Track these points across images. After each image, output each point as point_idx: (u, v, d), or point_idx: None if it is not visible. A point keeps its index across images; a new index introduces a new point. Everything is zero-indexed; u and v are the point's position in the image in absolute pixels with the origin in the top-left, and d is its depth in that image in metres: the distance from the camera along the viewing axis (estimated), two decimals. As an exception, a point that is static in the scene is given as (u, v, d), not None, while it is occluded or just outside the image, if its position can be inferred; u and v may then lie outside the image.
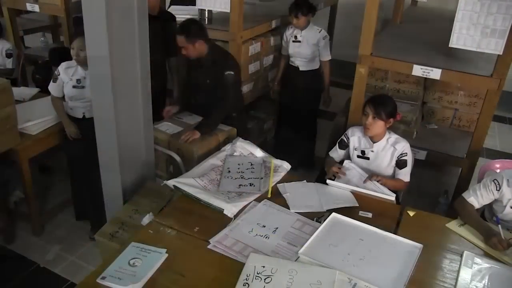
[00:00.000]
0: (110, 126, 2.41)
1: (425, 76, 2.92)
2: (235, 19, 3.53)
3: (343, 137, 2.81)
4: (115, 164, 2.47)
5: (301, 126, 4.31)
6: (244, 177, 2.48)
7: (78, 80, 3.12)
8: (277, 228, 2.10)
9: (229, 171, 2.52)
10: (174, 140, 2.99)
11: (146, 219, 2.28)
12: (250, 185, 2.41)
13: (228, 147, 2.75)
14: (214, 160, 2.61)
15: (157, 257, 1.88)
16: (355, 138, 2.74)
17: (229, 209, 2.18)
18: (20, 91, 3.80)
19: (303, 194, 2.40)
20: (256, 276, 1.78)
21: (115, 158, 2.45)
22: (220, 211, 2.19)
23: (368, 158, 2.68)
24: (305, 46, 3.96)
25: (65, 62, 3.15)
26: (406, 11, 4.74)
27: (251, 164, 2.61)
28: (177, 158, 2.93)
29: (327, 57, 4.03)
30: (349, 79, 5.93)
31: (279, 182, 2.48)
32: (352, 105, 3.22)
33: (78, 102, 3.17)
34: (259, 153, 2.73)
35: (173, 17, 3.91)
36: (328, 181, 2.49)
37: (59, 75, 3.15)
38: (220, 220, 2.14)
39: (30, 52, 5.88)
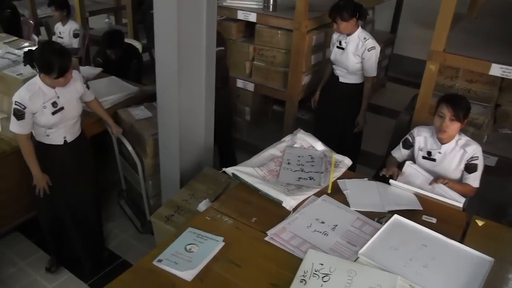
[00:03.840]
0: (173, 111, 2.42)
1: (504, 77, 2.73)
2: (301, 8, 3.45)
3: (407, 136, 2.69)
4: (175, 148, 2.48)
5: (339, 146, 3.57)
6: (304, 170, 2.42)
7: (54, 104, 2.50)
8: (336, 225, 2.03)
9: (288, 163, 2.47)
10: (137, 125, 3.08)
11: (203, 206, 2.28)
12: (310, 179, 2.35)
13: (288, 138, 2.70)
14: (274, 151, 2.56)
15: (214, 244, 1.86)
16: (421, 138, 2.61)
17: (288, 202, 2.13)
18: (84, 70, 3.88)
19: (364, 192, 2.31)
20: (314, 273, 1.72)
21: (176, 142, 2.46)
22: (278, 203, 2.14)
23: (434, 160, 2.55)
24: (346, 55, 3.43)
25: (23, 90, 2.45)
26: (483, 5, 4.41)
27: (311, 157, 2.54)
28: (129, 146, 3.06)
29: (370, 72, 3.43)
30: (410, 76, 5.75)
31: (339, 178, 2.40)
32: (419, 103, 3.07)
33: (60, 126, 2.59)
34: (319, 146, 2.65)
35: None
36: (390, 181, 2.39)
37: (25, 108, 2.41)
38: (278, 212, 2.10)
39: (94, 33, 6.03)
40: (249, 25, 4.15)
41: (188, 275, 1.71)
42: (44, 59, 2.35)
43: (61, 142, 2.63)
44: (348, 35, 3.39)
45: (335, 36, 3.53)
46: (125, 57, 4.24)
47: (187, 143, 2.49)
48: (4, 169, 2.87)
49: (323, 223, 2.04)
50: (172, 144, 2.47)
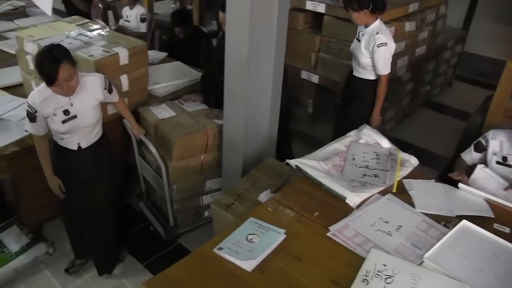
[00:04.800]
0: (240, 100, 2.41)
1: None
2: (374, -1, 3.34)
3: (481, 139, 2.55)
4: (239, 136, 2.48)
5: None
6: (368, 166, 2.36)
7: (65, 112, 2.40)
8: (400, 226, 1.96)
9: (353, 159, 2.41)
10: (161, 125, 2.96)
11: (264, 196, 2.27)
12: (375, 176, 2.28)
13: (353, 133, 2.63)
14: (339, 145, 2.50)
15: (276, 236, 1.85)
16: (496, 142, 2.48)
17: (352, 199, 2.08)
18: (150, 54, 3.97)
19: (431, 194, 2.22)
20: (377, 274, 1.67)
21: (240, 130, 2.46)
22: (342, 199, 2.09)
23: (510, 166, 2.41)
24: (360, 47, 3.27)
25: (35, 92, 2.39)
26: None
27: (377, 155, 2.47)
28: (153, 149, 2.93)
29: (381, 70, 3.22)
30: (481, 75, 5.49)
31: (405, 178, 2.32)
32: (494, 105, 2.92)
33: (73, 133, 2.51)
34: (385, 144, 2.57)
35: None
36: (460, 184, 2.28)
37: (36, 112, 2.38)
38: (341, 208, 2.05)
39: (159, 18, 6.15)
40: (317, 16, 4.08)
41: (248, 265, 1.71)
42: (35, 66, 2.25)
43: (74, 148, 2.54)
44: (366, 27, 3.22)
45: (359, 27, 3.36)
46: (194, 37, 4.26)
47: (251, 132, 2.49)
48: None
49: (387, 222, 1.98)
50: (236, 132, 2.48)
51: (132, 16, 4.97)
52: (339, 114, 3.78)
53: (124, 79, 3.01)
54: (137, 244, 3.16)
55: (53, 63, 2.15)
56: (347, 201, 2.08)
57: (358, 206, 2.07)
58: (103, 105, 2.81)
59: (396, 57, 4.01)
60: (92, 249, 2.87)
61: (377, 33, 3.14)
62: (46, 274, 2.92)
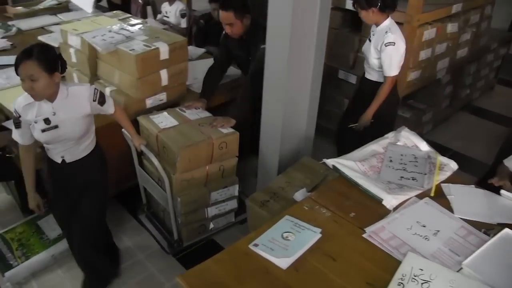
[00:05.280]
0: (279, 97, 2.42)
1: None
2: (415, 1, 3.28)
3: (525, 145, 2.48)
4: (277, 134, 2.48)
5: (345, 140, 3.36)
6: (406, 169, 2.32)
7: (46, 120, 2.26)
8: (438, 231, 1.92)
9: (390, 161, 2.37)
10: (163, 135, 2.80)
11: (299, 195, 2.26)
12: (412, 179, 2.24)
13: (391, 135, 2.60)
14: (376, 146, 2.48)
15: (311, 235, 1.84)
16: (541, 149, 2.40)
17: (389, 201, 2.05)
18: (188, 50, 4.00)
19: (471, 200, 2.16)
20: (413, 278, 1.65)
21: (278, 128, 2.46)
22: (378, 201, 2.07)
23: (555, 174, 2.33)
24: (369, 47, 3.17)
25: (21, 98, 2.27)
26: None
27: (415, 157, 2.43)
28: (155, 161, 2.74)
29: (387, 70, 3.07)
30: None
31: (443, 182, 2.28)
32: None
33: (56, 144, 2.38)
34: (424, 147, 2.53)
35: None
36: (502, 191, 2.22)
37: (19, 117, 2.27)
38: (377, 210, 2.03)
39: (197, 14, 6.19)
40: (356, 15, 4.03)
41: (283, 262, 1.71)
42: None
43: (58, 160, 2.41)
44: (377, 26, 3.10)
45: (372, 27, 3.22)
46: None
47: (288, 131, 2.49)
48: (113, 138, 2.98)
49: (424, 226, 1.94)
50: (274, 130, 2.48)
51: (171, 12, 5.03)
52: (344, 117, 3.62)
53: (164, 74, 3.05)
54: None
55: (22, 56, 2.09)
56: (383, 203, 2.06)
57: (394, 209, 2.05)
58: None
59: (436, 58, 3.94)
60: (80, 265, 2.77)
61: (387, 32, 3.02)
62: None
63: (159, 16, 5.23)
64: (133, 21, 3.59)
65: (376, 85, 3.21)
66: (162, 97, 3.09)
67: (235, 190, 3.05)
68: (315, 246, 1.80)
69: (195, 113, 3.07)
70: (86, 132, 2.40)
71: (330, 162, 2.28)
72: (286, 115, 2.43)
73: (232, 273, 1.70)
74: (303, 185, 2.36)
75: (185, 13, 4.98)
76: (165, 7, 5.10)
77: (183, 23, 4.96)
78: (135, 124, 2.86)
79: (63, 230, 2.76)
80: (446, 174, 2.33)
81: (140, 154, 2.89)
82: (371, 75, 3.26)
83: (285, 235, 1.84)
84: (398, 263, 1.71)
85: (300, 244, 1.79)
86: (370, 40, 3.19)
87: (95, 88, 2.39)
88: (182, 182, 2.80)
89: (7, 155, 3.00)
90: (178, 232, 3.02)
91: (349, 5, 3.80)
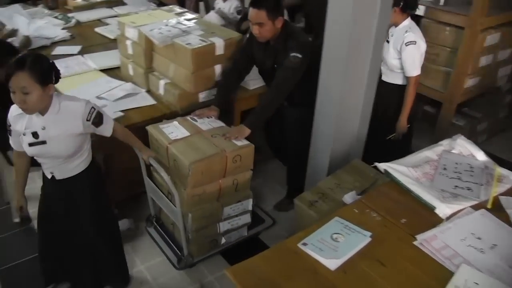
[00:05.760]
0: (334, 98, 2.40)
1: None
2: (479, 4, 3.17)
3: None
4: (328, 135, 2.46)
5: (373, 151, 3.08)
6: (461, 178, 2.24)
7: (34, 134, 2.13)
8: (495, 245, 1.84)
9: (445, 169, 2.30)
10: (174, 147, 2.63)
11: (349, 197, 2.23)
12: (468, 189, 2.16)
13: (446, 142, 2.52)
14: (430, 153, 2.40)
15: (361, 238, 1.81)
16: None
17: (442, 209, 1.99)
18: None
19: (531, 215, 2.07)
20: (466, 291, 1.59)
21: (330, 129, 2.44)
22: (431, 208, 2.01)
23: None
24: (388, 48, 3.09)
25: (14, 106, 2.13)
26: None
27: (471, 167, 2.34)
28: (165, 175, 2.58)
29: (409, 71, 3.02)
30: None
31: (502, 194, 2.18)
32: None
33: (45, 159, 2.25)
34: (481, 156, 2.43)
35: None
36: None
37: (10, 126, 2.18)
38: (429, 218, 1.97)
39: (246, 11, 6.20)
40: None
41: (332, 263, 1.69)
42: None
43: (48, 176, 2.29)
44: (396, 26, 3.06)
45: (391, 29, 3.16)
46: None
47: (340, 132, 2.47)
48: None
49: (480, 239, 1.87)
50: (326, 131, 2.46)
51: (225, 8, 5.03)
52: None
53: (218, 69, 3.07)
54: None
55: (14, 67, 1.94)
56: (436, 211, 1.99)
57: (447, 218, 1.98)
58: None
59: (498, 65, 3.80)
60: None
61: (407, 31, 2.98)
62: (127, 249, 3.04)
63: (211, 11, 5.25)
64: (189, 15, 3.63)
65: (395, 87, 3.17)
66: (215, 92, 3.11)
67: (248, 204, 2.92)
68: (364, 249, 1.77)
69: (207, 122, 2.89)
70: (77, 151, 2.24)
71: (382, 166, 2.23)
72: (339, 117, 2.41)
73: (279, 270, 1.70)
74: (353, 188, 2.33)
75: (241, 10, 4.98)
76: (219, 3, 5.10)
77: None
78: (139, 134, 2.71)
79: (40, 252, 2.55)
80: (505, 186, 2.23)
81: (149, 165, 2.74)
82: (390, 78, 3.21)
83: (334, 236, 1.82)
84: (450, 274, 1.66)
85: (349, 247, 1.77)
86: (388, 41, 3.12)
87: (92, 107, 2.20)
88: (194, 197, 2.65)
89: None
90: (188, 247, 2.87)
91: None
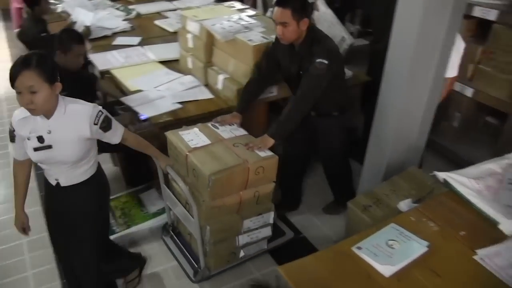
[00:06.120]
0: (395, 104, 2.35)
1: None
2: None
3: None
4: (387, 140, 2.42)
5: None
6: (528, 195, 2.14)
7: (40, 138, 2.03)
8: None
9: (510, 183, 2.21)
10: (193, 156, 2.48)
11: (404, 205, 2.18)
12: (535, 207, 2.07)
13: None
14: (493, 166, 2.31)
15: (417, 247, 1.77)
16: None
17: (507, 226, 1.89)
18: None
19: None
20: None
21: (389, 135, 2.40)
22: (493, 223, 1.93)
23: None
24: None
25: (18, 110, 2.06)
26: None
27: (538, 183, 2.24)
28: (183, 186, 2.50)
29: (449, 71, 2.81)
30: None
31: None
32: None
33: (50, 165, 2.15)
34: (551, 173, 2.32)
35: None
36: None
37: (14, 131, 2.08)
38: (490, 233, 1.89)
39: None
40: (482, 24, 3.77)
41: (387, 270, 1.66)
42: None
43: (53, 183, 2.19)
44: None
45: None
46: None
47: (398, 139, 2.42)
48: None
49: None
50: (384, 136, 2.42)
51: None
52: None
53: (278, 66, 3.07)
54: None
55: (19, 66, 1.86)
56: (500, 227, 1.91)
57: (512, 235, 1.90)
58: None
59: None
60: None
61: None
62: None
63: (269, 10, 5.25)
64: (251, 12, 3.65)
65: None
66: (273, 90, 3.10)
67: (269, 217, 2.81)
68: (420, 258, 1.73)
69: (229, 130, 2.77)
70: (84, 157, 2.14)
71: (442, 175, 2.17)
72: (398, 123, 2.36)
73: (332, 271, 1.68)
74: (408, 195, 2.27)
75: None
76: (277, 1, 5.10)
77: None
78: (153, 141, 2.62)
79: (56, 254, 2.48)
80: None
81: (167, 173, 2.66)
82: None
83: (390, 242, 1.78)
84: (513, 293, 1.59)
85: (405, 254, 1.72)
86: None
87: (99, 111, 2.09)
88: (213, 209, 2.54)
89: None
90: (205, 260, 2.77)
91: (477, 12, 3.56)
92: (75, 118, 2.04)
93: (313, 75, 2.53)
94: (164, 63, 3.81)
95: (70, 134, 2.03)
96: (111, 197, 3.34)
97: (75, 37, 3.02)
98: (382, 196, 2.32)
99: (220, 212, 2.58)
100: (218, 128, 2.76)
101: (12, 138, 2.09)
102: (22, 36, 4.39)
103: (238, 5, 3.91)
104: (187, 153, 2.51)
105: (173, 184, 2.80)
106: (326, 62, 2.49)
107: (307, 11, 2.55)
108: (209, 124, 2.79)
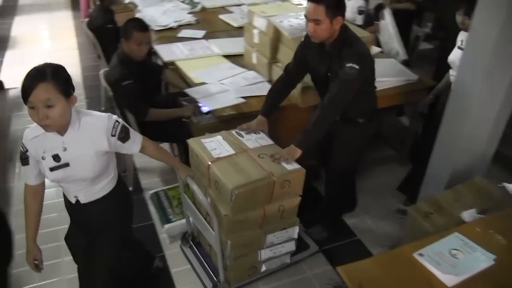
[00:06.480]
0: (464, 109, 2.30)
1: None
2: None
3: None
4: (453, 147, 2.37)
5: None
6: None
7: (55, 157, 1.89)
8: None
9: None
10: (216, 167, 2.35)
11: (468, 215, 2.13)
12: None
13: None
14: None
15: (483, 260, 1.73)
16: None
17: None
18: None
19: None
20: None
21: (456, 141, 2.34)
22: None
23: None
24: None
25: (30, 128, 1.92)
26: None
27: None
28: (203, 199, 2.37)
29: None
30: None
31: None
32: None
33: (68, 184, 2.02)
34: None
35: None
36: None
37: (27, 151, 1.92)
38: None
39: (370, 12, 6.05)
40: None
41: (450, 279, 1.64)
42: None
43: (72, 201, 2.06)
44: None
45: (460, 36, 2.99)
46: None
47: (466, 146, 2.35)
48: (291, 120, 3.02)
49: None
50: (451, 143, 2.36)
51: (348, 7, 4.92)
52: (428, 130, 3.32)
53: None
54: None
55: (34, 79, 1.71)
56: None
57: None
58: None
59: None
60: None
61: None
62: None
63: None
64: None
65: None
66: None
67: (294, 232, 2.68)
68: (486, 271, 1.69)
69: (254, 139, 2.62)
70: (104, 171, 2.02)
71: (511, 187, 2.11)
72: (468, 131, 2.30)
73: (392, 276, 1.68)
74: (472, 205, 2.21)
75: (363, 10, 4.89)
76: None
77: (359, 20, 4.87)
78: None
79: (77, 264, 2.32)
80: None
81: (187, 184, 2.52)
82: None
83: (453, 252, 1.76)
84: None
85: (470, 266, 1.70)
86: (462, 48, 2.81)
87: (116, 121, 1.97)
88: (234, 224, 2.41)
89: (183, 119, 3.27)
90: (225, 274, 2.65)
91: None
92: (91, 132, 1.90)
93: (343, 80, 2.39)
94: (228, 57, 3.87)
95: (87, 149, 1.90)
96: (170, 187, 3.47)
97: (137, 25, 3.10)
98: (444, 204, 2.27)
99: (242, 227, 2.46)
100: (243, 137, 2.63)
101: (25, 160, 1.94)
102: (90, 25, 4.60)
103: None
104: (210, 163, 2.39)
105: (194, 194, 2.62)
106: (357, 67, 2.35)
107: (342, 9, 2.40)
108: (234, 132, 2.67)
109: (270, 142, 2.62)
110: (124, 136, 1.99)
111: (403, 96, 3.41)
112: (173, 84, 3.68)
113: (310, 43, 2.54)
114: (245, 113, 2.98)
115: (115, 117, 1.97)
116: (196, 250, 2.92)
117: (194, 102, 3.22)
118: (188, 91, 3.31)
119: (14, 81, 5.29)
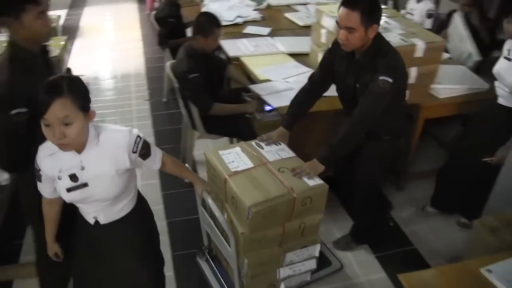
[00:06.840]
0: None
1: None
2: None
3: None
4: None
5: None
6: None
7: (72, 177, 1.74)
8: None
9: None
10: (233, 182, 2.20)
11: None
12: None
13: None
14: None
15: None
16: None
17: None
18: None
19: None
20: None
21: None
22: None
23: None
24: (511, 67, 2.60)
25: (43, 146, 1.75)
26: None
27: None
28: (220, 216, 2.25)
29: None
30: None
31: None
32: None
33: (87, 204, 1.87)
34: None
35: None
36: None
37: (40, 170, 1.77)
38: None
39: (442, 16, 5.87)
40: None
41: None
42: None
43: (91, 221, 1.92)
44: None
45: (507, 44, 2.73)
46: None
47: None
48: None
49: None
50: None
51: (417, 10, 4.86)
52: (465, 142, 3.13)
53: (414, 72, 2.96)
54: (375, 234, 3.09)
55: (50, 94, 1.55)
56: None
57: None
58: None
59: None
60: None
61: None
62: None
63: (402, 12, 5.10)
64: (389, 13, 3.57)
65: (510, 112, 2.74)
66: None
67: (315, 250, 2.55)
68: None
69: (275, 151, 2.49)
70: (125, 190, 1.89)
71: None
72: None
73: (456, 289, 1.63)
74: (544, 225, 2.11)
75: (432, 14, 4.77)
76: (411, 3, 4.96)
77: (428, 24, 4.75)
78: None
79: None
80: None
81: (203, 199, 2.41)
82: (509, 101, 2.75)
83: (527, 273, 1.68)
84: None
85: (544, 288, 1.62)
86: (509, 59, 2.67)
87: (137, 136, 1.82)
88: (252, 242, 2.27)
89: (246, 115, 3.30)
90: None
91: None
92: (111, 148, 1.76)
93: (375, 94, 2.22)
94: (293, 55, 3.86)
95: (107, 168, 1.76)
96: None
97: (215, 21, 3.16)
98: (514, 221, 2.19)
99: (260, 245, 2.32)
100: (262, 148, 2.50)
101: (39, 178, 1.81)
102: (156, 17, 4.76)
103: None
104: (227, 177, 2.25)
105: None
106: (390, 80, 2.18)
107: (378, 16, 2.24)
108: (253, 143, 2.54)
109: (291, 154, 2.49)
110: (145, 153, 1.88)
111: (471, 105, 3.28)
112: (236, 80, 3.72)
113: (339, 50, 2.38)
114: (310, 113, 2.92)
115: (136, 131, 1.83)
116: (212, 264, 2.77)
117: (257, 98, 3.24)
118: (253, 87, 3.34)
119: (81, 69, 5.55)
